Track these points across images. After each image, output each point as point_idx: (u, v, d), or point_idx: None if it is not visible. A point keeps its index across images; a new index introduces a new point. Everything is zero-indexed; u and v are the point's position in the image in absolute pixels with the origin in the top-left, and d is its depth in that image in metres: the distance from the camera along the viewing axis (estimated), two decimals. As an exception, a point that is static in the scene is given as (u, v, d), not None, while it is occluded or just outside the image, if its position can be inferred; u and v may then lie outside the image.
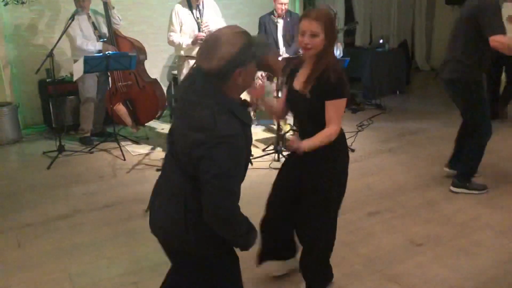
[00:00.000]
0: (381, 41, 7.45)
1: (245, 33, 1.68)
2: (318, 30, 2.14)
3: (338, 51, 6.42)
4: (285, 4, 5.04)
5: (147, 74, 5.52)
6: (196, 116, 1.62)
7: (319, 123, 2.24)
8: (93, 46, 4.99)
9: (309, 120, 2.31)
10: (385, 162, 4.69)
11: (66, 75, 5.74)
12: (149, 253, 3.08)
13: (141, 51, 5.33)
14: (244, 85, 1.73)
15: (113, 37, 5.14)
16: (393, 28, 8.35)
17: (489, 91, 5.96)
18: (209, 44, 1.65)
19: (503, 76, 6.14)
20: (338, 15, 5.70)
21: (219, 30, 1.70)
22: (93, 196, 3.96)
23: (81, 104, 5.27)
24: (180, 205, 1.74)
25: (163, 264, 2.95)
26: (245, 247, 1.83)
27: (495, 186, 4.00)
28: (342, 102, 2.21)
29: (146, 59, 5.48)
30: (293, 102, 2.35)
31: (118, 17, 5.21)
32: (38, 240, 3.25)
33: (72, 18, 4.74)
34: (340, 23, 6.73)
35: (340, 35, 7.22)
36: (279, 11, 5.07)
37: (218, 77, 1.64)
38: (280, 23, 5.17)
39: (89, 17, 5.10)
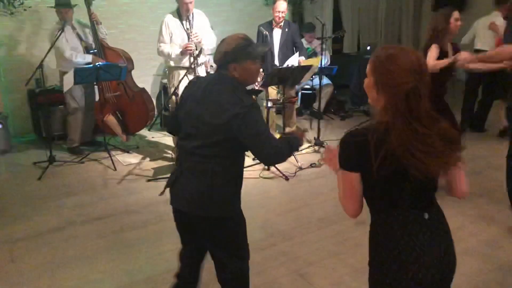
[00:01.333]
0: (368, 48, 7.57)
1: (244, 38, 2.13)
2: (368, 70, 1.65)
3: (326, 59, 6.53)
4: (282, 12, 5.09)
5: (135, 83, 5.56)
6: (221, 99, 2.05)
7: None
8: (82, 58, 5.00)
9: None
10: (373, 171, 4.77)
11: (56, 85, 5.75)
12: (142, 266, 3.13)
13: (128, 61, 5.37)
14: (243, 79, 2.12)
15: (101, 49, 5.15)
16: (381, 36, 8.47)
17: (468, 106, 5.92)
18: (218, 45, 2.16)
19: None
20: (326, 25, 5.76)
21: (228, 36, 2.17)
22: (85, 208, 3.98)
23: (69, 115, 5.28)
24: (206, 177, 2.11)
25: (156, 276, 3.03)
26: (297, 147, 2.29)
27: (481, 194, 4.11)
28: None
29: (133, 68, 5.51)
30: None
31: (105, 31, 5.25)
32: (31, 254, 3.28)
33: (62, 29, 4.75)
34: (327, 32, 6.82)
35: (328, 43, 7.31)
36: (277, 19, 5.13)
37: (219, 68, 2.14)
38: (277, 33, 5.22)
39: (73, 28, 5.08)
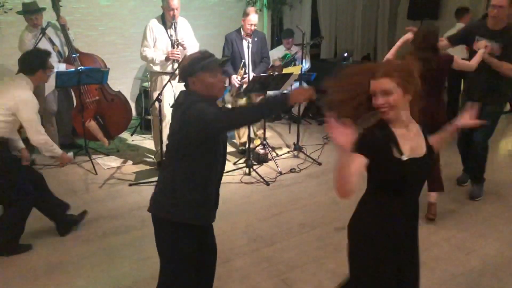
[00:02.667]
0: (345, 54, 7.73)
1: (201, 52, 2.28)
2: (390, 87, 1.84)
3: (307, 64, 6.66)
4: (254, 24, 5.13)
5: (110, 87, 5.54)
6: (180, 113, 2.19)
7: None
8: (56, 68, 4.80)
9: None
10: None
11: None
12: (127, 272, 3.17)
13: (103, 65, 5.35)
14: (205, 90, 2.20)
15: (76, 55, 5.08)
16: (357, 42, 8.67)
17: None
18: None
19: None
20: (305, 33, 5.89)
21: None
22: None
23: (43, 119, 5.22)
24: (168, 177, 2.25)
25: (141, 282, 3.07)
26: (280, 105, 2.23)
27: (451, 200, 4.29)
28: None
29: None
30: (416, 171, 1.92)
31: (73, 39, 5.17)
32: (12, 261, 3.27)
33: (43, 33, 4.71)
34: (306, 39, 6.94)
35: (306, 48, 7.44)
36: (248, 31, 5.12)
37: (184, 85, 2.27)
38: (246, 42, 5.21)
39: (44, 32, 4.92)
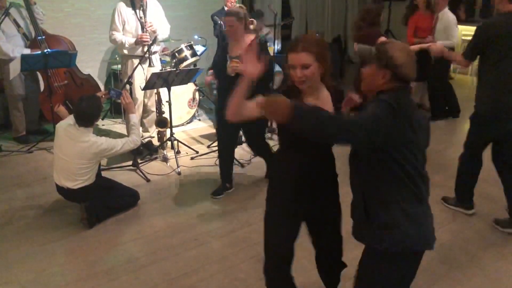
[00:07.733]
0: (316, 35, 7.74)
1: None
2: (309, 61, 1.96)
3: (278, 46, 6.64)
4: (233, 1, 5.30)
5: (80, 70, 5.40)
6: None
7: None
8: (19, 53, 4.64)
9: None
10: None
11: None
12: (102, 256, 3.13)
13: (71, 47, 5.20)
14: None
15: (42, 36, 4.89)
16: (328, 24, 8.70)
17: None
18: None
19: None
20: (277, 13, 5.88)
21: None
22: (38, 199, 3.89)
23: (9, 104, 5.07)
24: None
25: (118, 266, 3.05)
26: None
27: (442, 184, 4.35)
28: None
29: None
30: None
31: (42, 12, 4.97)
32: (-18, 251, 3.18)
33: (6, 14, 4.52)
34: (277, 19, 6.91)
35: (277, 29, 7.42)
36: (228, 7, 5.28)
37: None
38: None
39: (8, 13, 4.70)
